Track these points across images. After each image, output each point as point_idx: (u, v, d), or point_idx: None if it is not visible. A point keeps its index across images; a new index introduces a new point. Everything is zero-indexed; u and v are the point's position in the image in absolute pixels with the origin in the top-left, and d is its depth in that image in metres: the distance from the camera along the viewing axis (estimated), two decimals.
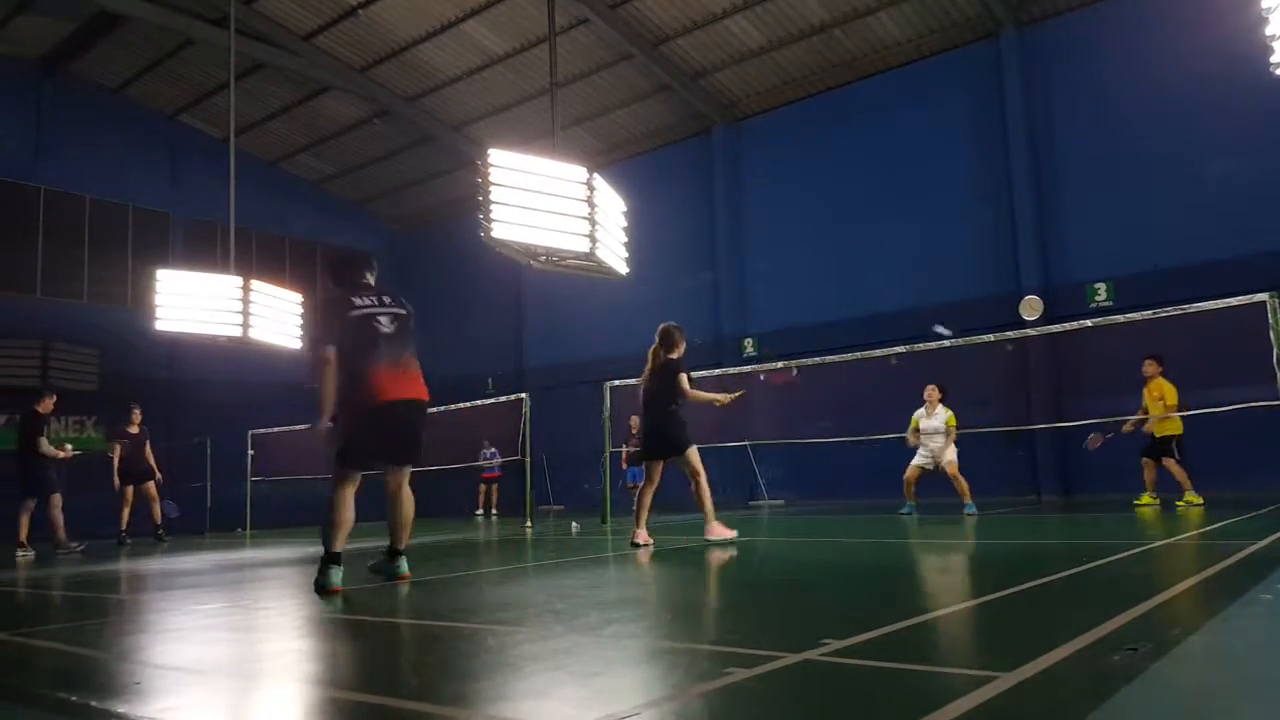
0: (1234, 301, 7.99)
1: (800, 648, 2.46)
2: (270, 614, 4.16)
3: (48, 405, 10.78)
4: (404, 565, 5.02)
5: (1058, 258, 13.75)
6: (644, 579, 5.05)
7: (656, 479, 7.02)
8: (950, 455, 9.68)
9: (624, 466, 14.74)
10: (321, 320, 5.00)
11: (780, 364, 11.63)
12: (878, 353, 10.65)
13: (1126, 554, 5.05)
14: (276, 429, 15.60)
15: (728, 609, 3.92)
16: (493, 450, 16.16)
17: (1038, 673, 2.09)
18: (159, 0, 15.24)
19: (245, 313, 10.83)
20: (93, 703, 2.27)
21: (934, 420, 9.81)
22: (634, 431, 14.71)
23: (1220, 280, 10.75)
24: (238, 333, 10.85)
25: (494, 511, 16.51)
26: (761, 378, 8.21)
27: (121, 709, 2.18)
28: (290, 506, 16.58)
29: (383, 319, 4.75)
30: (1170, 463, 9.10)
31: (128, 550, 10.55)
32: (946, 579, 4.54)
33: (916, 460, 9.95)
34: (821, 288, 15.97)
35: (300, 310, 12.06)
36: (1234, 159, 12.18)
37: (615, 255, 9.49)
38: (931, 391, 9.85)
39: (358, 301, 4.75)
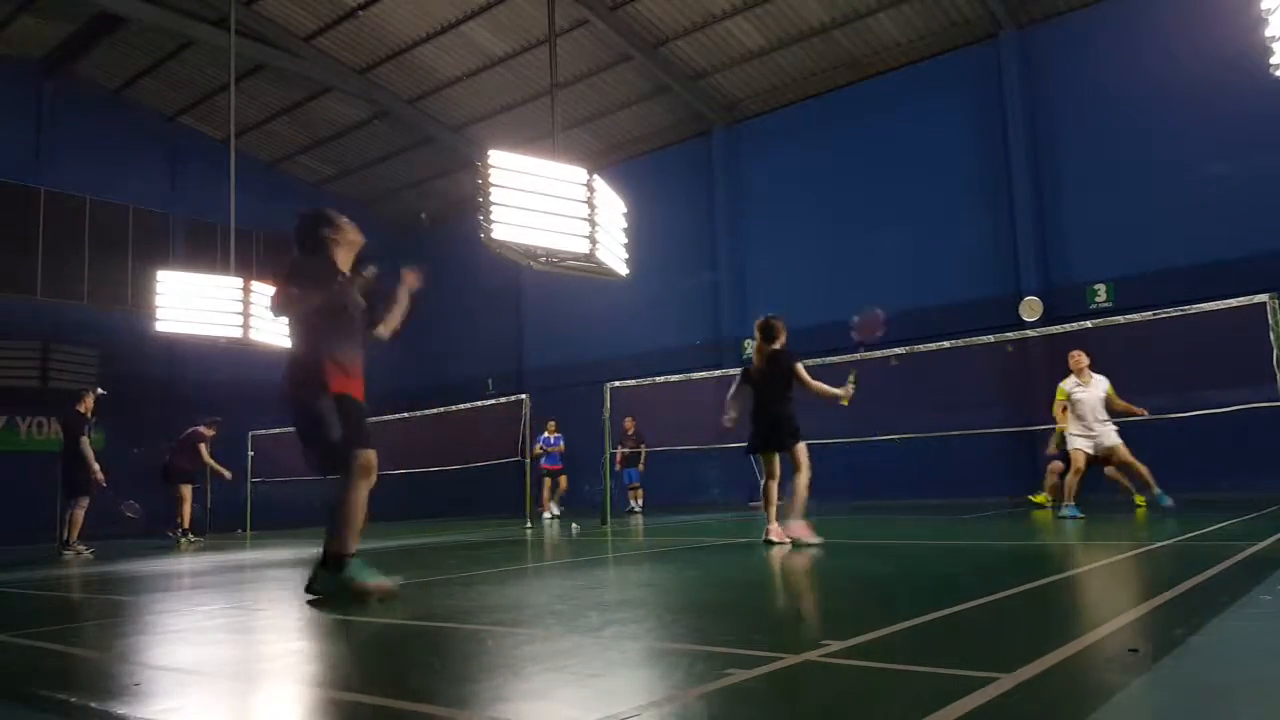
0: (1234, 302, 7.99)
1: (800, 649, 2.46)
2: (271, 615, 4.15)
3: (88, 403, 10.74)
4: (346, 572, 4.04)
5: (1058, 258, 13.75)
6: (644, 580, 5.05)
7: (776, 472, 6.76)
8: (1115, 436, 8.24)
9: (618, 468, 14.67)
10: None
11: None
12: (878, 353, 10.65)
13: (1126, 554, 5.05)
14: (277, 430, 15.59)
15: (728, 609, 3.91)
16: (557, 436, 14.62)
17: (1038, 673, 2.09)
18: (159, 1, 15.25)
19: (245, 314, 10.86)
20: (93, 703, 2.27)
21: (1093, 390, 8.29)
22: (629, 433, 14.63)
23: (1220, 280, 10.75)
24: (238, 333, 10.88)
25: (559, 509, 14.65)
26: (853, 321, 7.81)
27: (121, 710, 2.18)
28: (291, 508, 16.58)
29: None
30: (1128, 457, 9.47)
31: (201, 545, 10.79)
32: (946, 580, 4.53)
33: (1077, 444, 8.33)
34: (821, 288, 15.95)
35: None
36: (1234, 159, 12.17)
37: (615, 256, 9.50)
38: (1079, 358, 8.39)
39: None
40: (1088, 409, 8.33)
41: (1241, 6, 10.08)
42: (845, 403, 6.84)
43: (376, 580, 4.07)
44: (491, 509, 17.51)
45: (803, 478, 6.53)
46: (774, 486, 6.72)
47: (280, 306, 4.27)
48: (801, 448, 6.60)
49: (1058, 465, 9.53)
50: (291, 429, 4.30)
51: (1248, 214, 12.01)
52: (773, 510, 6.65)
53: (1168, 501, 8.01)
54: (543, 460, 14.61)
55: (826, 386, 6.81)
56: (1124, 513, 8.65)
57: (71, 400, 10.89)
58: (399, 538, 10.63)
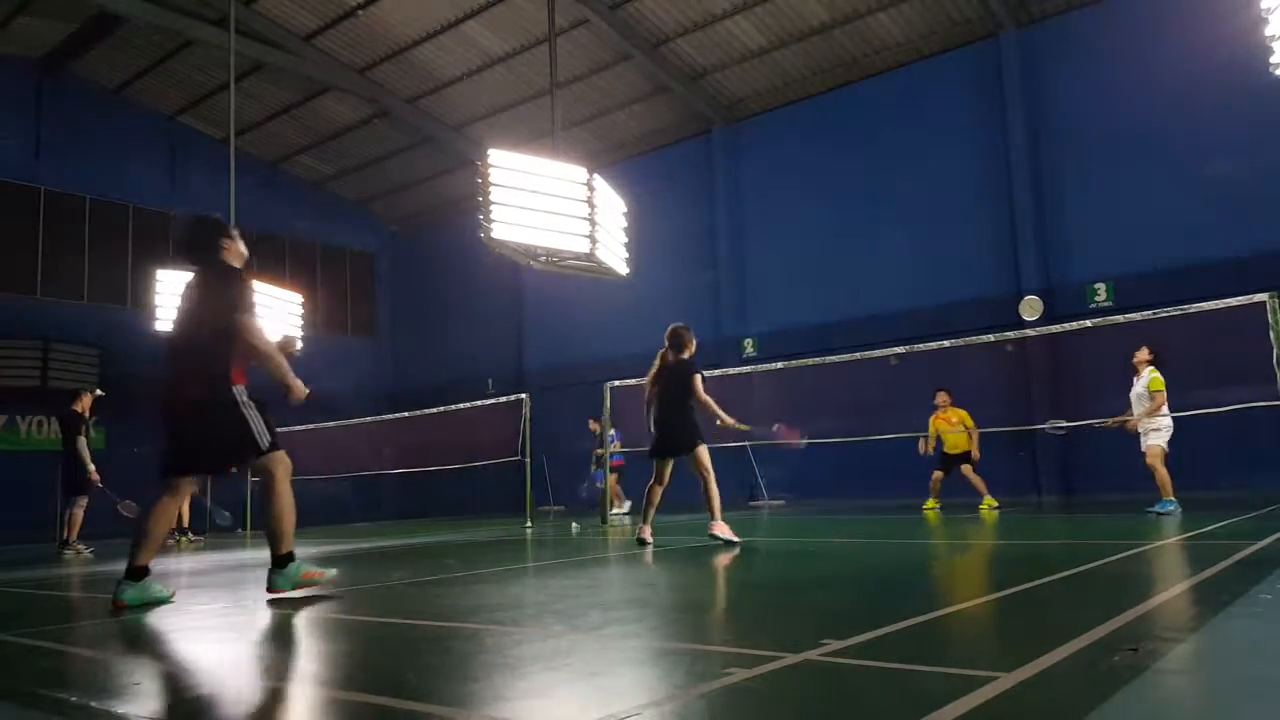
0: (1234, 301, 7.99)
1: (800, 648, 2.46)
2: (271, 614, 4.15)
3: (85, 404, 10.79)
4: (124, 591, 4.14)
5: (1058, 258, 13.75)
6: (644, 579, 5.05)
7: (666, 478, 7.06)
8: (1153, 439, 8.23)
9: (593, 469, 14.45)
10: None
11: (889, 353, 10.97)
12: (878, 353, 10.65)
13: (1126, 554, 5.05)
14: (276, 430, 15.57)
15: (728, 609, 3.91)
16: (612, 433, 13.83)
17: (1038, 673, 2.09)
18: (159, 1, 15.25)
19: None
20: (93, 703, 2.27)
21: (1137, 386, 8.45)
22: (594, 432, 14.40)
23: (1220, 280, 10.75)
24: None
25: (626, 504, 14.06)
26: (775, 428, 8.14)
27: (121, 709, 2.18)
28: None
29: (177, 312, 4.57)
30: (968, 470, 10.60)
31: (200, 544, 11.00)
32: (946, 579, 4.54)
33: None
34: (821, 288, 15.97)
35: (300, 310, 12.08)
36: (1234, 159, 12.17)
37: (615, 255, 9.51)
38: (1140, 353, 8.53)
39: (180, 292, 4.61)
40: (1133, 408, 8.55)
41: (1241, 6, 10.08)
42: (722, 424, 7.03)
43: (322, 569, 4.42)
44: (492, 509, 17.51)
45: (710, 480, 6.76)
46: (658, 491, 7.03)
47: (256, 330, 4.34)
48: (702, 451, 6.79)
49: (938, 474, 10.82)
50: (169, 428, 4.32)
51: (1248, 214, 12.02)
52: (651, 512, 6.98)
53: (1169, 508, 8.02)
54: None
55: (716, 406, 6.96)
56: (1125, 512, 8.65)
57: (69, 400, 10.92)
58: (399, 537, 10.63)
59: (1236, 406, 8.16)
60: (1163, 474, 8.17)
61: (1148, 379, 8.40)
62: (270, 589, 4.30)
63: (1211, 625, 2.70)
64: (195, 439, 4.28)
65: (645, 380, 7.17)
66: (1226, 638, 2.59)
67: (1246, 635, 2.64)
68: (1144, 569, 4.48)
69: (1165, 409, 8.34)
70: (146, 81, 18.63)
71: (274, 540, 4.30)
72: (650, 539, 6.77)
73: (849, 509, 12.10)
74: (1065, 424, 10.32)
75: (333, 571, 4.47)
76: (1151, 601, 3.20)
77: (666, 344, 7.05)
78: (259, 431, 4.25)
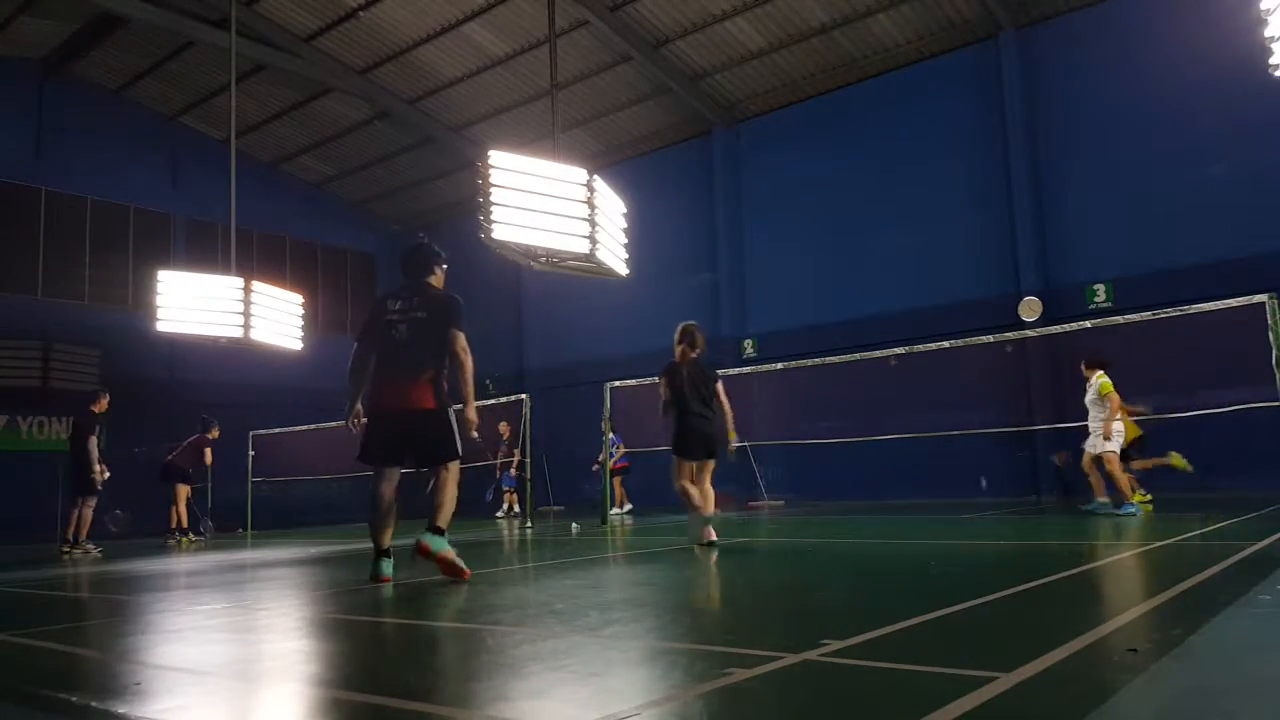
0: (1234, 302, 7.99)
1: (800, 648, 2.46)
2: (271, 614, 4.16)
3: (102, 405, 10.92)
4: (384, 567, 4.97)
5: (1057, 259, 13.75)
6: (643, 580, 5.05)
7: (707, 476, 7.00)
8: (1105, 444, 8.24)
9: (497, 475, 14.40)
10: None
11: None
12: (878, 353, 10.65)
13: (1126, 554, 5.05)
14: (278, 430, 15.60)
15: (728, 609, 3.91)
16: (612, 437, 13.89)
17: (1038, 673, 2.10)
18: (160, 2, 15.25)
19: (246, 314, 10.86)
20: (93, 703, 2.27)
21: (1090, 392, 8.56)
22: (505, 438, 14.33)
23: (1220, 280, 10.75)
24: (238, 334, 10.88)
25: (627, 505, 14.45)
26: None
27: (122, 709, 2.18)
28: (291, 507, 16.59)
29: (401, 327, 4.95)
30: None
31: (201, 544, 11.12)
32: (946, 579, 4.53)
33: (1086, 445, 8.66)
34: (821, 289, 15.97)
35: (300, 311, 12.07)
36: (1234, 159, 12.18)
37: (615, 256, 9.50)
38: (1084, 369, 8.67)
39: (391, 305, 5.03)
40: (1090, 413, 8.62)
41: (1241, 7, 10.07)
42: (729, 436, 7.19)
43: (466, 567, 4.86)
44: (492, 509, 17.52)
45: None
46: (695, 492, 6.91)
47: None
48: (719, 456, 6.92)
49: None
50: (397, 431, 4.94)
51: (1248, 214, 12.01)
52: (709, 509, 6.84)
53: (1132, 509, 8.05)
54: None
55: (730, 413, 7.15)
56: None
57: (84, 400, 11.03)
58: (399, 537, 10.62)
59: (1236, 406, 8.17)
60: (1096, 478, 8.32)
61: (1097, 384, 8.45)
62: (421, 544, 4.74)
63: (1211, 625, 2.71)
64: (414, 437, 4.91)
65: (672, 381, 7.09)
66: (1226, 638, 2.60)
67: (1246, 635, 2.64)
68: (1144, 569, 4.48)
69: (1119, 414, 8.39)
70: (147, 82, 18.62)
71: (435, 513, 4.81)
72: (713, 538, 6.62)
73: (848, 510, 12.10)
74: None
75: (469, 573, 4.86)
76: (1151, 601, 3.20)
77: (684, 342, 7.07)
78: (458, 442, 4.95)
